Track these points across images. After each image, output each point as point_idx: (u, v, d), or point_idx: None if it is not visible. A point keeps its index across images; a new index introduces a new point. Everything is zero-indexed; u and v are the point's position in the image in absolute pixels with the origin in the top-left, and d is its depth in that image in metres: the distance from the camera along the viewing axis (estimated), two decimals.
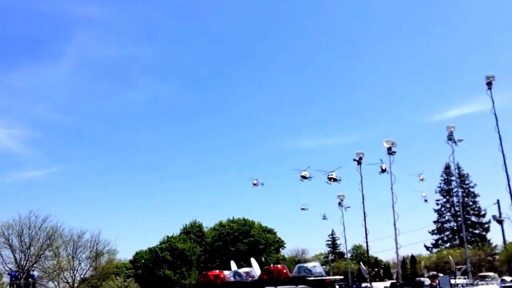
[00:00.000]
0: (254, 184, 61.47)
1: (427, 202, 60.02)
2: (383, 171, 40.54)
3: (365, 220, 41.34)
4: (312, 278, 14.36)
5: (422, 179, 50.50)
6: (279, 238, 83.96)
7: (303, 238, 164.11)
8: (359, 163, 41.82)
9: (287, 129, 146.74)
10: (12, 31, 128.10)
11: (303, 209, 65.08)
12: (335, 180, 51.03)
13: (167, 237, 74.52)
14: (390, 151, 38.23)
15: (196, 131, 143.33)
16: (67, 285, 62.96)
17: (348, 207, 53.41)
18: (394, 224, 36.58)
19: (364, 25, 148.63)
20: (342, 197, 53.46)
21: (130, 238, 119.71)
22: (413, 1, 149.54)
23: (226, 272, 16.74)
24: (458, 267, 41.52)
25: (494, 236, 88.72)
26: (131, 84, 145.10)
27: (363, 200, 41.49)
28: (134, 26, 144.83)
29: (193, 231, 79.07)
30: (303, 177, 52.11)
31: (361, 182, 41.61)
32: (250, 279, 16.12)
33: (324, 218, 66.81)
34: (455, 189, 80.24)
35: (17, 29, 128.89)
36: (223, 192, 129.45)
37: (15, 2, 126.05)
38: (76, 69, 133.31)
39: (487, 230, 77.89)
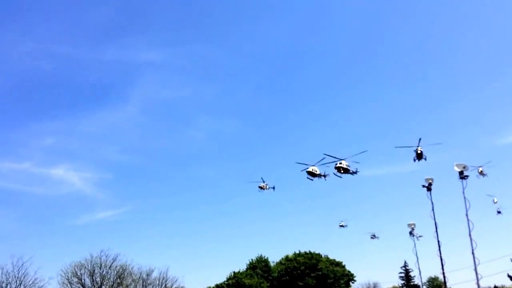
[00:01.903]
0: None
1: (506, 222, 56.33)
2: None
3: (440, 249, 38.73)
4: None
5: (495, 202, 48.24)
6: (348, 271, 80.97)
7: (374, 270, 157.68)
8: (429, 189, 39.62)
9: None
10: (82, 80, 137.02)
11: (341, 226, 65.28)
12: (346, 171, 50.66)
13: (234, 272, 74.01)
14: (462, 176, 35.93)
15: (257, 164, 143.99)
16: None
17: (420, 236, 50.59)
18: (473, 253, 33.90)
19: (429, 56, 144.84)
20: (413, 226, 50.78)
21: (197, 274, 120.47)
22: None
23: None
24: None
25: None
26: (193, 123, 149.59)
27: (436, 228, 39.02)
28: (194, 67, 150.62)
29: (259, 266, 78.06)
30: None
31: (433, 209, 39.28)
32: None
33: (373, 237, 65.24)
34: None
35: (86, 77, 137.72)
36: (288, 225, 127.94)
37: (84, 53, 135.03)
38: (141, 111, 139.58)
39: None
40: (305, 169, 59.81)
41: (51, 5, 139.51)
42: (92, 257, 62.76)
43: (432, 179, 39.39)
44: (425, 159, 46.98)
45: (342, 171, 51.77)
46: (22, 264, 61.08)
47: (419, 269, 53.39)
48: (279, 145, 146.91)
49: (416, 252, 50.38)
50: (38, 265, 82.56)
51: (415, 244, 50.10)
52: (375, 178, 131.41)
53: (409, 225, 50.26)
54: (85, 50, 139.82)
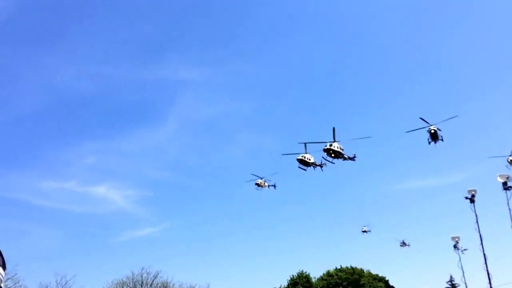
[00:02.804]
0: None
1: None
2: None
3: (486, 263, 37.74)
4: None
5: None
6: (392, 287, 79.31)
7: (418, 286, 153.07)
8: (472, 201, 38.80)
9: (391, 171, 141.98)
10: (123, 99, 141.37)
11: (364, 231, 64.04)
12: (338, 155, 49.76)
13: None
14: (506, 186, 35.08)
15: (298, 180, 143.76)
16: None
17: (465, 249, 49.24)
18: None
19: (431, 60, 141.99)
20: (457, 239, 49.49)
21: None
22: None
23: None
24: None
25: None
26: (232, 139, 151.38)
27: (481, 241, 38.05)
28: (232, 84, 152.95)
29: (300, 282, 77.70)
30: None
31: (477, 221, 38.37)
32: None
33: (403, 244, 64.18)
34: None
35: (126, 97, 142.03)
36: (329, 240, 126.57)
37: (124, 73, 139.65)
38: (180, 129, 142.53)
39: None
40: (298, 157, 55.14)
41: (92, 28, 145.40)
42: (133, 274, 64.21)
43: (475, 191, 38.53)
44: (442, 139, 45.55)
45: (333, 155, 50.26)
46: (66, 283, 62.90)
47: (465, 283, 51.77)
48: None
49: (462, 266, 49.06)
50: (82, 283, 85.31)
51: (460, 258, 48.71)
52: (411, 191, 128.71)
53: (453, 238, 48.99)
54: (125, 69, 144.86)
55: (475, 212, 38.39)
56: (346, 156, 51.52)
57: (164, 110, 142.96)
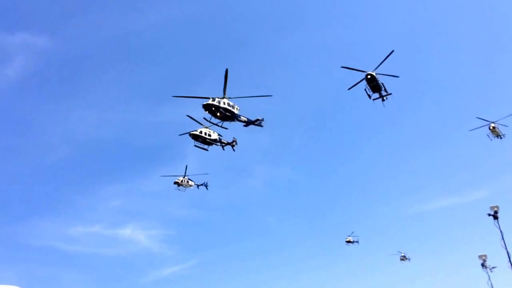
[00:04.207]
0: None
1: None
2: None
3: None
4: None
5: None
6: None
7: None
8: (495, 217, 38.39)
9: (409, 193, 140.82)
10: (142, 142, 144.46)
11: (349, 242, 62.36)
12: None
13: None
14: None
15: (316, 209, 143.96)
16: None
17: (493, 267, 48.33)
18: None
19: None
20: (484, 258, 48.63)
21: None
22: None
23: None
24: None
25: None
26: (250, 172, 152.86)
27: (509, 257, 37.49)
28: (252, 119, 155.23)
29: None
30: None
31: (502, 238, 37.88)
32: None
33: (404, 258, 62.14)
34: None
35: (145, 139, 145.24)
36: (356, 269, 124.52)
37: (141, 116, 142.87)
38: (199, 166, 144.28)
39: None
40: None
41: (109, 76, 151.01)
42: None
43: (497, 207, 38.19)
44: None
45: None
46: None
47: None
48: (342, 188, 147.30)
49: (492, 285, 48.12)
50: None
51: (489, 276, 47.85)
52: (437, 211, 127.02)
53: (480, 256, 48.23)
54: (142, 113, 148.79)
55: (499, 228, 37.98)
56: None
57: (182, 150, 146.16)
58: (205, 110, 42.67)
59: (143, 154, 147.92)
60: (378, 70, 47.94)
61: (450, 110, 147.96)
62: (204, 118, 44.36)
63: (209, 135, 50.27)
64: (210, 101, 42.42)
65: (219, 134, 53.24)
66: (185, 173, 65.43)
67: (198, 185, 69.13)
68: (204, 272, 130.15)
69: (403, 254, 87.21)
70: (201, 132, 50.02)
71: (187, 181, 64.93)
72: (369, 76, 47.94)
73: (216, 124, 45.67)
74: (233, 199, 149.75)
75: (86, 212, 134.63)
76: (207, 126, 49.96)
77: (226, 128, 46.79)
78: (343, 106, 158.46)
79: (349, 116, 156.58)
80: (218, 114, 42.70)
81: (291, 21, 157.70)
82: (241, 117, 48.06)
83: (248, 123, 49.14)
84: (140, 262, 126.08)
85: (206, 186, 67.21)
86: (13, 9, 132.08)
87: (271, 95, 43.00)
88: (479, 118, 51.64)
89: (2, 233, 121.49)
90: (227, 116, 43.54)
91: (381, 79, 49.27)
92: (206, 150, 51.46)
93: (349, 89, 49.12)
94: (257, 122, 51.00)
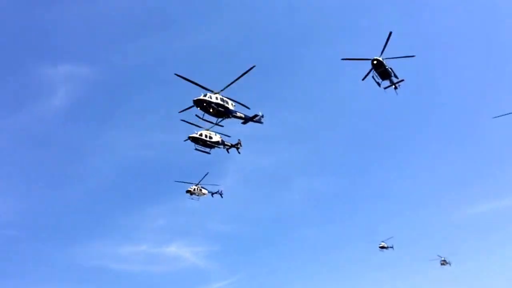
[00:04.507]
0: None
1: None
2: None
3: None
4: None
5: None
6: None
7: None
8: None
9: (449, 195, 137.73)
10: (182, 162, 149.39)
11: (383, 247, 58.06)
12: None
13: None
14: None
15: (356, 219, 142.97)
16: None
17: None
18: None
19: None
20: None
21: None
22: None
23: None
24: None
25: None
26: (289, 185, 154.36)
27: None
28: (284, 133, 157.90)
29: None
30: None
31: None
32: None
33: (444, 263, 59.47)
34: None
35: (185, 159, 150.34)
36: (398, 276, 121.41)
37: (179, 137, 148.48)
38: (239, 182, 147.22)
39: None
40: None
41: (146, 100, 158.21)
42: None
43: None
44: None
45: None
46: None
47: None
48: (382, 195, 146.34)
49: None
50: None
51: None
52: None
53: None
54: (179, 135, 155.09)
55: None
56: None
57: (223, 166, 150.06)
58: (197, 106, 40.82)
59: (185, 173, 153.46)
60: (385, 55, 46.33)
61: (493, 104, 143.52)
62: (196, 115, 42.26)
63: (210, 137, 48.61)
64: (201, 97, 40.63)
65: (222, 137, 51.34)
66: (199, 182, 64.15)
67: (212, 193, 67.56)
68: (251, 285, 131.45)
69: (443, 259, 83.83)
70: (201, 134, 48.25)
71: (200, 190, 63.41)
72: (375, 62, 45.48)
73: (208, 121, 43.79)
74: (274, 212, 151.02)
75: (133, 232, 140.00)
76: (209, 128, 48.49)
77: (222, 126, 44.79)
78: (377, 110, 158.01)
79: (384, 120, 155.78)
80: (211, 110, 40.81)
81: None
82: (237, 113, 45.48)
83: (245, 119, 46.45)
84: (187, 278, 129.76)
85: (220, 194, 66.73)
86: (54, 43, 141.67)
87: (254, 66, 38.80)
88: None
89: (56, 254, 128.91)
90: (221, 112, 41.55)
91: (390, 64, 47.68)
92: (208, 153, 49.64)
93: (363, 79, 47.35)
94: (256, 118, 48.08)
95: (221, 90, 41.58)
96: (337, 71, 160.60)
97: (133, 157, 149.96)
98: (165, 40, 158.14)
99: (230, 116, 42.98)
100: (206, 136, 48.31)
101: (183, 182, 63.80)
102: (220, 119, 43.52)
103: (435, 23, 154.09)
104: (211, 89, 41.32)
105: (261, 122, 48.26)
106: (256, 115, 46.55)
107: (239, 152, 52.63)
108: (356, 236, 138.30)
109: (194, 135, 47.90)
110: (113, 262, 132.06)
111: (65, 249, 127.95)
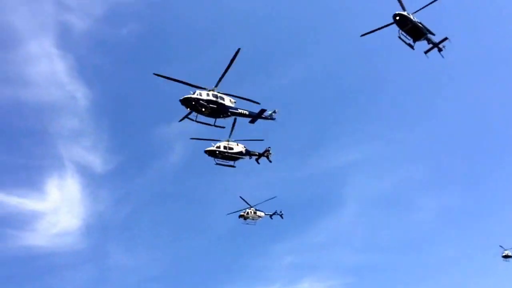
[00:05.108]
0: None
1: None
2: None
3: None
4: None
5: None
6: None
7: None
8: None
9: None
10: (303, 199, 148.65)
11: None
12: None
13: None
14: None
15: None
16: None
17: None
18: None
19: None
20: None
21: None
22: None
23: None
24: None
25: None
26: (413, 205, 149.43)
27: None
28: (394, 153, 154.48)
29: None
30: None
31: None
32: None
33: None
34: None
35: (304, 195, 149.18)
36: None
37: (292, 171, 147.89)
38: (361, 209, 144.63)
39: None
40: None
41: None
42: None
43: None
44: None
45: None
46: None
47: None
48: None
49: None
50: None
51: None
52: None
53: None
54: (292, 167, 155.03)
55: None
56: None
57: (339, 193, 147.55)
58: (186, 107, 37.00)
59: (303, 208, 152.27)
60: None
61: None
62: (188, 118, 38.36)
63: (230, 148, 44.35)
64: (190, 95, 36.63)
65: (245, 146, 46.90)
66: (250, 204, 58.34)
67: (270, 215, 61.72)
68: None
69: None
70: (218, 147, 44.08)
71: (254, 212, 57.76)
72: (398, 18, 35.93)
73: (206, 123, 39.59)
74: (402, 235, 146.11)
75: (263, 272, 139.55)
76: (228, 139, 44.98)
77: (223, 127, 40.71)
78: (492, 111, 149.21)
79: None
80: (204, 109, 36.83)
81: None
82: (238, 109, 40.34)
83: (251, 116, 41.40)
84: None
85: (281, 215, 60.86)
86: (170, 103, 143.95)
87: (239, 48, 34.67)
88: None
89: None
90: (216, 110, 37.30)
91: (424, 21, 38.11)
92: (233, 166, 45.28)
93: (362, 35, 38.88)
94: (265, 114, 42.87)
95: (215, 87, 37.96)
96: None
97: (252, 196, 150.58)
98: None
99: (229, 114, 38.88)
100: (225, 148, 44.37)
101: (234, 212, 59.78)
102: (217, 119, 39.51)
103: None
104: (203, 86, 37.91)
105: (273, 119, 43.61)
106: (263, 110, 41.31)
107: (270, 161, 48.66)
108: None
109: (211, 148, 43.93)
110: None
111: None
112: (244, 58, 37.24)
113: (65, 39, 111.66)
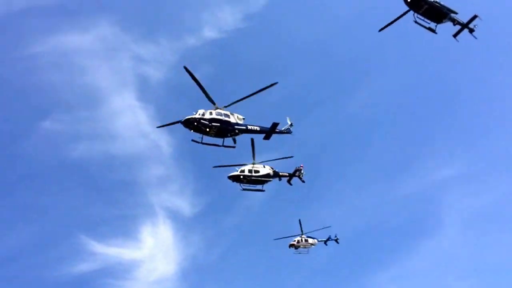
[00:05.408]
0: None
1: None
2: None
3: None
4: None
5: None
6: None
7: None
8: None
9: None
10: (394, 224, 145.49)
11: None
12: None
13: None
14: None
15: None
16: None
17: None
18: None
19: None
20: None
21: None
22: None
23: None
24: None
25: None
26: None
27: None
28: (486, 166, 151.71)
29: None
30: None
31: None
32: None
33: None
34: None
35: (398, 218, 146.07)
36: None
37: (383, 197, 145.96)
38: (462, 229, 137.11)
39: None
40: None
41: None
42: None
43: None
44: None
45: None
46: None
47: None
48: None
49: None
50: None
51: None
52: None
53: None
54: (382, 185, 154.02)
55: None
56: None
57: (439, 216, 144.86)
58: (190, 130, 34.36)
59: (398, 234, 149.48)
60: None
61: None
62: (193, 140, 35.69)
63: (256, 171, 41.33)
64: (191, 116, 34.18)
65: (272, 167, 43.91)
66: (301, 231, 55.01)
67: (325, 241, 57.84)
68: None
69: None
70: (242, 171, 41.13)
71: (306, 240, 54.61)
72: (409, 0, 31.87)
73: (213, 144, 36.57)
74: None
75: None
76: (253, 161, 42.03)
77: (234, 147, 37.33)
78: None
79: None
80: (208, 129, 34.27)
81: None
82: (248, 126, 37.12)
83: (265, 132, 38.19)
84: None
85: (336, 240, 57.76)
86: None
87: (276, 82, 33.29)
88: None
89: None
90: (222, 128, 34.74)
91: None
92: (262, 190, 42.36)
93: (379, 30, 35.28)
94: (279, 129, 39.56)
95: (225, 107, 35.72)
96: None
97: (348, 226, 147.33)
98: None
99: (237, 131, 36.18)
100: (250, 171, 41.75)
101: (283, 237, 56.42)
102: (226, 139, 36.74)
103: None
104: (214, 100, 35.56)
105: (289, 132, 41.00)
106: (275, 124, 38.08)
107: (303, 181, 45.88)
108: None
109: (235, 173, 41.40)
110: None
111: None
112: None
113: (144, 90, 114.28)
